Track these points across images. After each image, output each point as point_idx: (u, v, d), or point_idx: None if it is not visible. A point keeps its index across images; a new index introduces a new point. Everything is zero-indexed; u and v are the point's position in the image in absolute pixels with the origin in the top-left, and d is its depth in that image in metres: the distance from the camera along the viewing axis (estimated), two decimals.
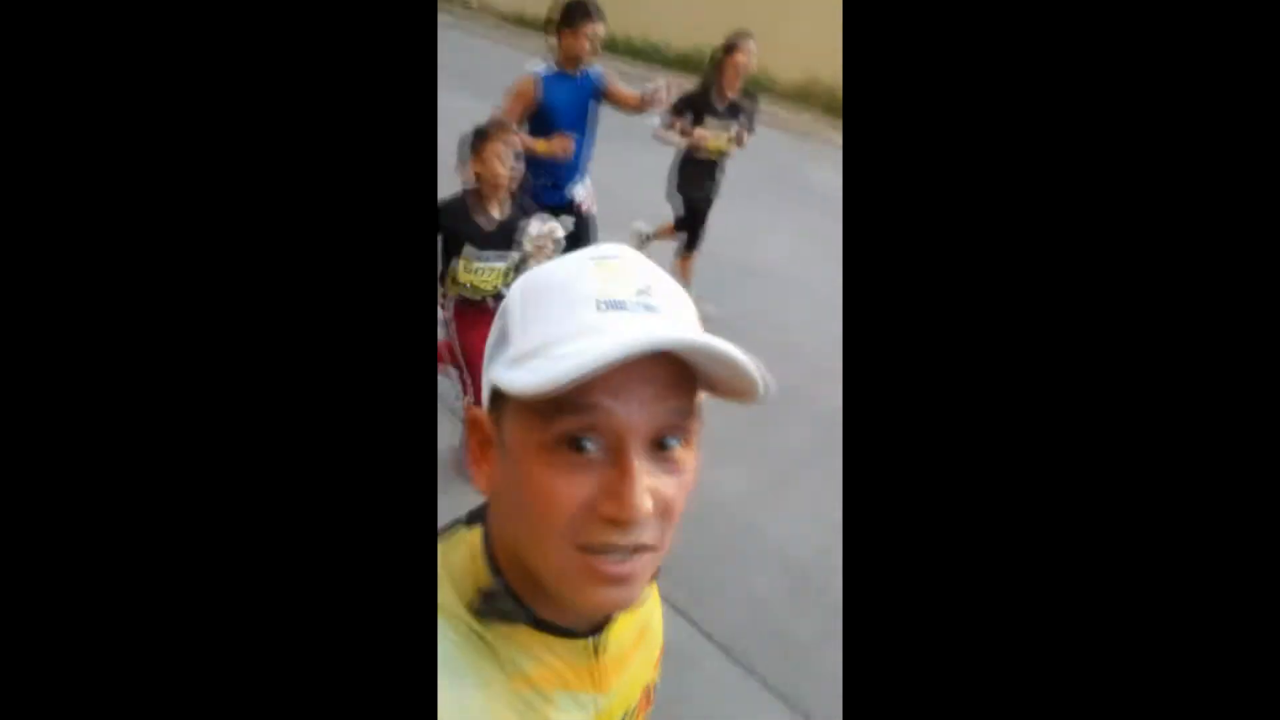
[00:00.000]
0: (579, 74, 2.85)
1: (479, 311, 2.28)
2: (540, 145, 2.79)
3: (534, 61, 2.90)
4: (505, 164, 2.17)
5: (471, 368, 2.29)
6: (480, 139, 2.18)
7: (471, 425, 0.49)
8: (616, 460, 0.42)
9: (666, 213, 3.78)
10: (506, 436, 0.46)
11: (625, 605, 0.45)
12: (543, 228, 2.27)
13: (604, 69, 2.99)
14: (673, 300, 0.46)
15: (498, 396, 0.46)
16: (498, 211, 2.23)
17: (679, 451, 0.44)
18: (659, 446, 0.43)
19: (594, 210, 3.19)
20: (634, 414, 0.42)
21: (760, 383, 0.43)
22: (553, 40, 2.84)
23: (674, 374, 0.42)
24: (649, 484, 0.42)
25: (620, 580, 0.43)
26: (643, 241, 3.84)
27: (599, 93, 2.94)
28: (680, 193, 3.63)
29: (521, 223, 2.28)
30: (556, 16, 2.79)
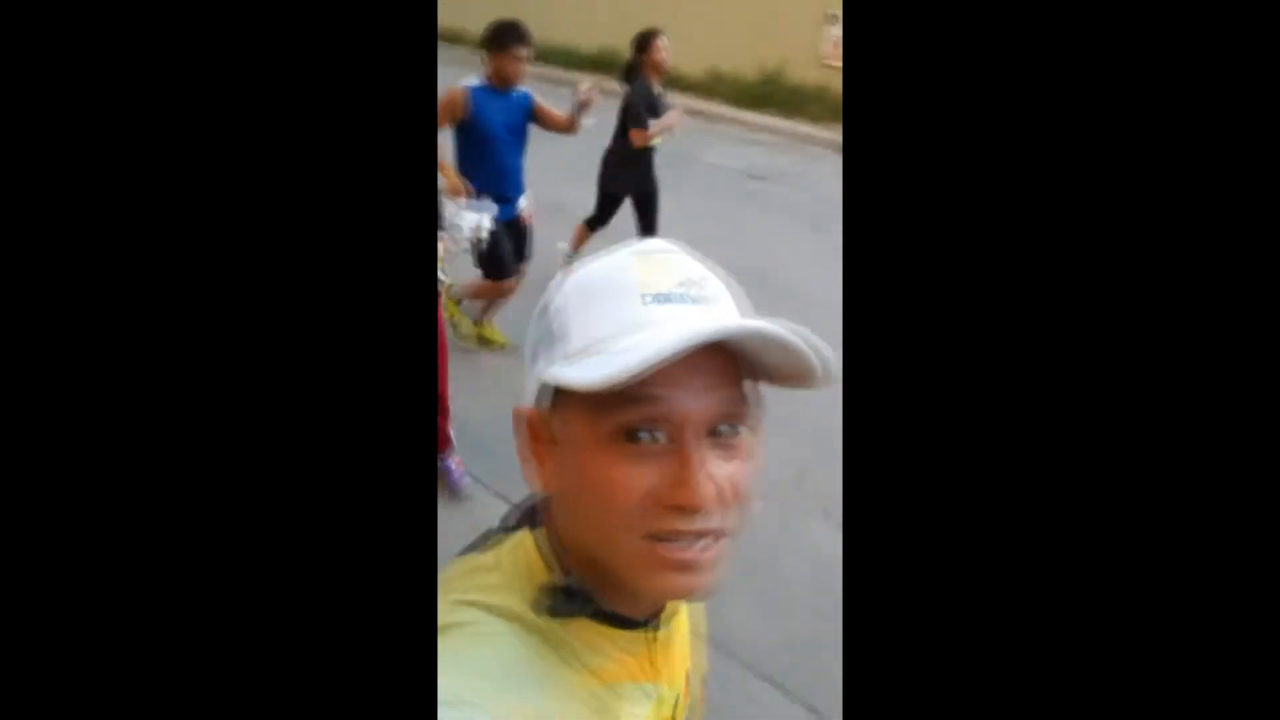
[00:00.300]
0: (510, 93, 3.04)
1: None
2: (449, 174, 2.93)
3: (469, 78, 3.08)
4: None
5: None
6: None
7: (522, 424, 0.50)
8: (677, 449, 0.43)
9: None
10: (565, 432, 0.47)
11: (697, 591, 0.46)
12: (478, 218, 2.43)
13: (532, 90, 3.19)
14: (716, 290, 0.48)
15: (553, 394, 0.47)
16: None
17: (738, 437, 0.45)
18: (718, 433, 0.45)
19: (532, 221, 3.37)
20: (691, 403, 0.43)
21: (818, 366, 0.44)
22: (485, 59, 3.03)
23: (727, 363, 0.44)
24: (710, 470, 0.44)
25: (689, 566, 0.44)
26: (567, 260, 4.03)
27: (529, 112, 3.13)
28: (610, 187, 3.83)
29: (453, 215, 2.43)
30: (488, 37, 3.00)
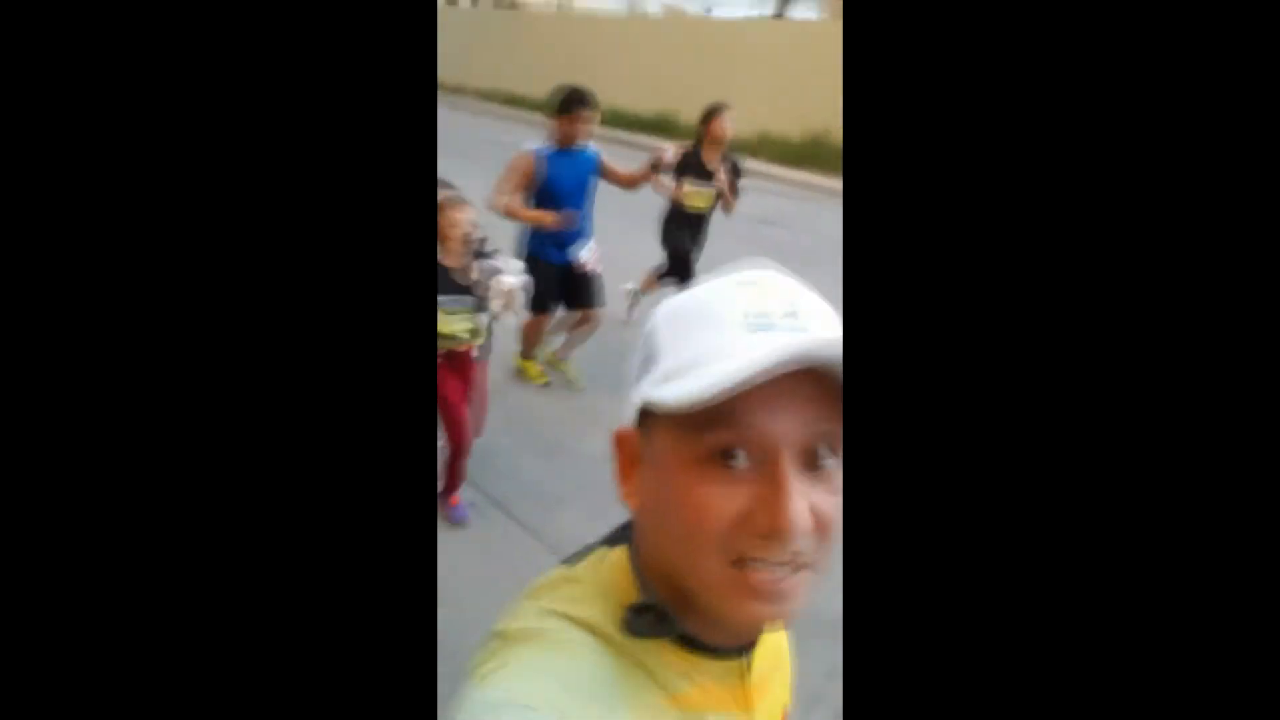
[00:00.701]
0: (577, 152, 3.32)
1: (455, 360, 2.55)
2: (548, 219, 3.21)
3: (531, 140, 3.37)
4: (453, 225, 2.58)
5: (448, 412, 2.54)
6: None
7: (619, 444, 0.50)
8: (769, 473, 0.42)
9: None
10: (656, 452, 0.46)
11: (778, 620, 0.45)
12: (513, 280, 2.61)
13: (600, 149, 3.46)
14: (821, 319, 0.46)
15: (646, 414, 0.47)
16: (452, 261, 2.66)
17: (832, 465, 0.44)
18: (812, 462, 0.43)
19: (599, 269, 3.55)
20: (784, 426, 0.42)
21: None
22: (551, 124, 3.29)
23: (824, 389, 0.43)
24: (803, 498, 0.42)
25: (775, 595, 0.43)
26: (633, 298, 4.36)
27: (596, 169, 3.39)
28: (665, 244, 4.10)
29: (489, 275, 2.63)
30: (555, 103, 3.26)
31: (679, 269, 4.14)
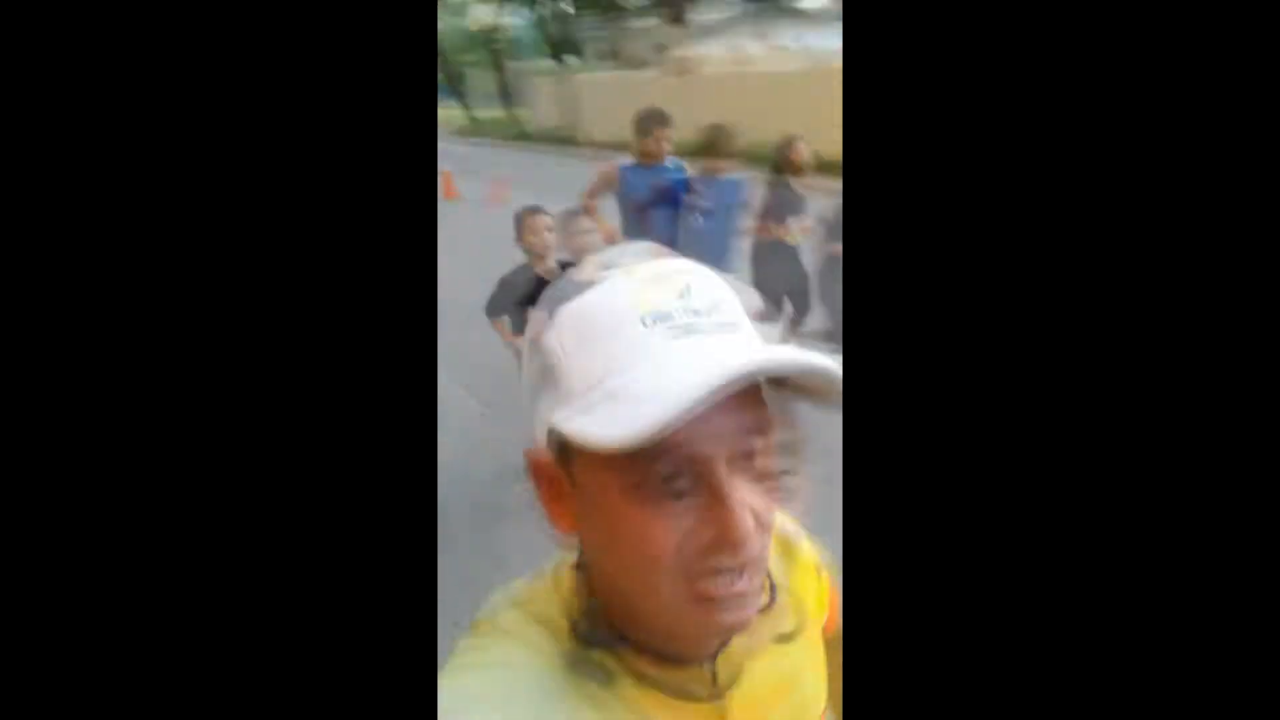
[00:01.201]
0: (657, 168, 3.48)
1: None
2: (605, 228, 3.33)
3: (624, 158, 3.63)
4: (541, 235, 2.89)
5: None
6: (519, 220, 2.95)
7: (536, 470, 0.47)
8: (710, 488, 0.41)
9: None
10: (584, 482, 0.44)
11: (744, 623, 0.44)
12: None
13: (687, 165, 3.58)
14: (717, 298, 0.43)
15: (562, 441, 0.43)
16: (545, 273, 2.89)
17: (762, 459, 0.43)
18: (746, 462, 0.42)
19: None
20: (715, 441, 0.40)
21: (839, 384, 0.41)
22: (634, 142, 3.52)
23: (748, 388, 0.40)
24: (745, 505, 0.41)
25: (733, 602, 0.43)
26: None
27: (682, 181, 3.46)
28: (764, 284, 3.81)
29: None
30: (634, 122, 3.48)
31: (799, 305, 4.03)
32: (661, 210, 3.50)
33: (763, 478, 0.43)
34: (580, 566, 0.50)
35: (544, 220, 2.97)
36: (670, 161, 3.50)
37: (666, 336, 0.41)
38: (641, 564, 0.42)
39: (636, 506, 0.41)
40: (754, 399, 0.42)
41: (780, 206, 3.86)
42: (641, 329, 0.41)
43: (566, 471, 0.45)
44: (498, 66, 27.34)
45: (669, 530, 0.41)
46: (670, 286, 0.43)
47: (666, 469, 0.40)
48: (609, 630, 0.48)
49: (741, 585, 0.43)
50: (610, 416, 0.39)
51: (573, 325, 0.43)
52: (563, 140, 16.75)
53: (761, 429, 0.42)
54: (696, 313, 0.42)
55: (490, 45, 28.09)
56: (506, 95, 24.96)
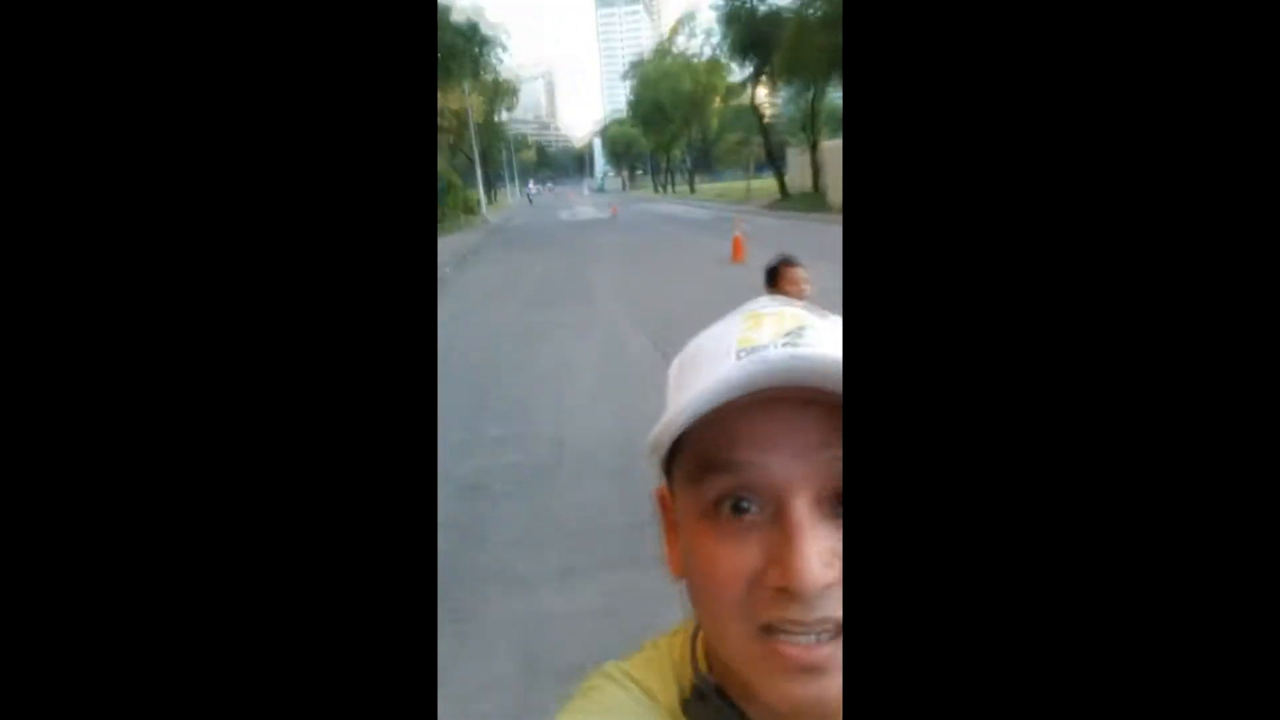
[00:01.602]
0: None
1: None
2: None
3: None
4: (799, 285, 3.17)
5: None
6: (773, 271, 3.27)
7: (660, 505, 0.46)
8: (781, 522, 0.37)
9: None
10: (678, 509, 0.42)
11: (821, 699, 0.38)
12: None
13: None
14: (820, 335, 0.41)
15: (667, 472, 0.43)
16: None
17: None
18: (836, 506, 0.38)
19: None
20: (790, 466, 0.37)
21: None
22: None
23: (835, 418, 0.37)
24: (825, 546, 0.37)
25: (810, 667, 0.37)
26: None
27: None
28: None
29: None
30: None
31: None
32: None
33: None
34: (696, 631, 0.47)
35: (799, 272, 3.18)
36: None
37: (747, 358, 0.39)
38: (709, 601, 0.39)
39: (706, 532, 0.39)
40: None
41: None
42: (733, 360, 0.39)
43: (673, 500, 0.44)
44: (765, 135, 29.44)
45: (734, 562, 0.38)
46: (778, 327, 0.41)
47: (734, 489, 0.38)
48: (721, 707, 0.43)
49: (821, 651, 0.37)
50: (664, 419, 0.39)
51: (684, 358, 0.44)
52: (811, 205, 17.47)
53: None
54: (789, 336, 0.40)
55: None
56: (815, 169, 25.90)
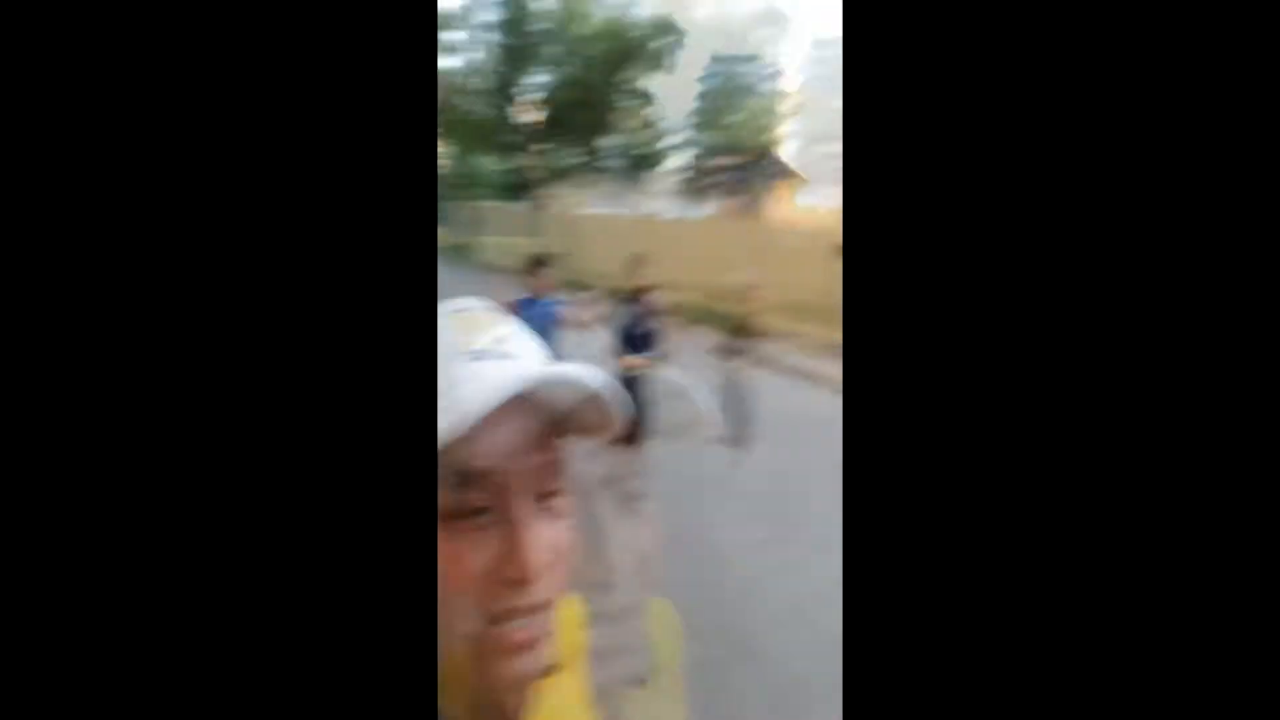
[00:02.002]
0: (543, 302, 4.15)
1: None
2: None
3: (522, 292, 4.21)
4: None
5: None
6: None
7: None
8: (504, 518, 0.41)
9: None
10: None
11: (535, 674, 0.43)
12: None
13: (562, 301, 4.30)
14: (521, 344, 0.46)
15: None
16: None
17: (560, 499, 0.44)
18: (544, 498, 0.43)
19: None
20: (512, 466, 0.41)
21: (614, 414, 0.44)
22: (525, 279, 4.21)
23: (543, 424, 0.43)
24: (540, 537, 0.41)
25: (529, 646, 0.42)
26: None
27: (556, 317, 4.15)
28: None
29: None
30: (523, 263, 4.21)
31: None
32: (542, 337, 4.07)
33: (559, 517, 0.44)
34: None
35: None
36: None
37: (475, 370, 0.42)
38: (446, 603, 0.41)
39: (448, 536, 0.41)
40: (548, 436, 0.43)
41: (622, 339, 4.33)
42: (468, 364, 0.42)
43: None
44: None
45: (463, 562, 0.41)
46: (483, 328, 0.45)
47: (473, 492, 0.41)
48: None
49: (534, 630, 0.42)
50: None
51: None
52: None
53: (559, 466, 0.44)
54: (504, 354, 0.44)
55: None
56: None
